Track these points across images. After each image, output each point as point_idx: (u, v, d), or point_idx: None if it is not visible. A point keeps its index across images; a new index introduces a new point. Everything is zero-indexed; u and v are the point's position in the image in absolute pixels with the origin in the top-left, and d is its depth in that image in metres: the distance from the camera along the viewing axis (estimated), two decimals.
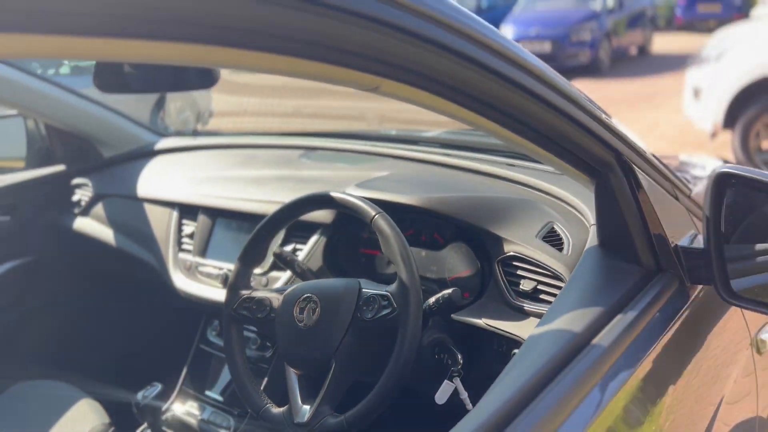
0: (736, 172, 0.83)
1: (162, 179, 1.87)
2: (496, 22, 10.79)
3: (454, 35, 0.64)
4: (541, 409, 0.70)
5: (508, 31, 10.66)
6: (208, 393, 1.65)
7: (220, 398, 1.63)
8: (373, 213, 1.14)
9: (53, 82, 1.95)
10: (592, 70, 10.57)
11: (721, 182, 0.84)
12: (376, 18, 0.57)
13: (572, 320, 0.83)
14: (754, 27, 5.11)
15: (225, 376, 1.66)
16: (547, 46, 10.38)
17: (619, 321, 0.85)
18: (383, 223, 1.13)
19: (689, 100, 5.28)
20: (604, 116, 0.88)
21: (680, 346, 0.93)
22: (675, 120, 6.82)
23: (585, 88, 1.05)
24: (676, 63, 10.05)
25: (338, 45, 0.57)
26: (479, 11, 12.50)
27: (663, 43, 14.09)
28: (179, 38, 0.47)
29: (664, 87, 8.97)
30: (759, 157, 4.87)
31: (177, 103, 2.65)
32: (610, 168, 0.90)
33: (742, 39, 4.97)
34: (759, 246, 0.86)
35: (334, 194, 1.21)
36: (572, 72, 10.08)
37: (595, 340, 0.81)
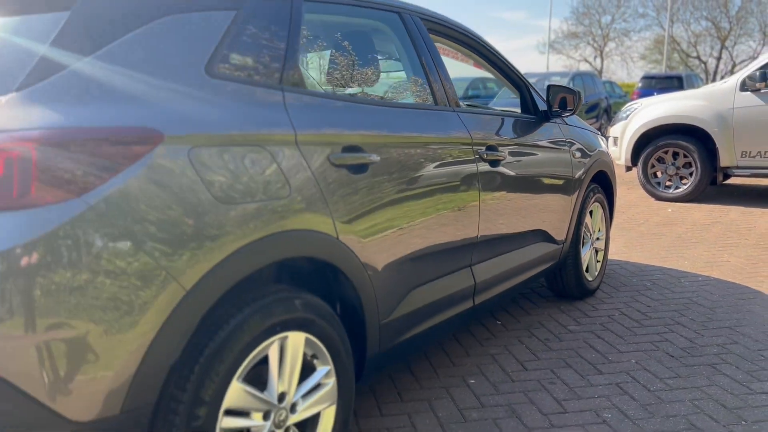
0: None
1: None
2: None
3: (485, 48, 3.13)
4: None
5: None
6: None
7: None
8: None
9: None
10: None
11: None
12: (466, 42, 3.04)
13: None
14: (649, 99, 7.81)
15: None
16: None
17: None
18: None
19: (611, 146, 7.90)
20: (521, 74, 3.34)
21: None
22: None
23: None
24: None
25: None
26: (465, 97, 15.42)
27: None
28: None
29: None
30: (653, 181, 7.44)
31: None
32: (523, 88, 3.36)
33: (642, 105, 7.66)
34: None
35: None
36: None
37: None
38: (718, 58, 53.62)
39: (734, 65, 51.40)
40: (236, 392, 1.67)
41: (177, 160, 1.54)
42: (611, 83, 22.59)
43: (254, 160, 1.73)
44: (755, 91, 6.75)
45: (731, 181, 8.59)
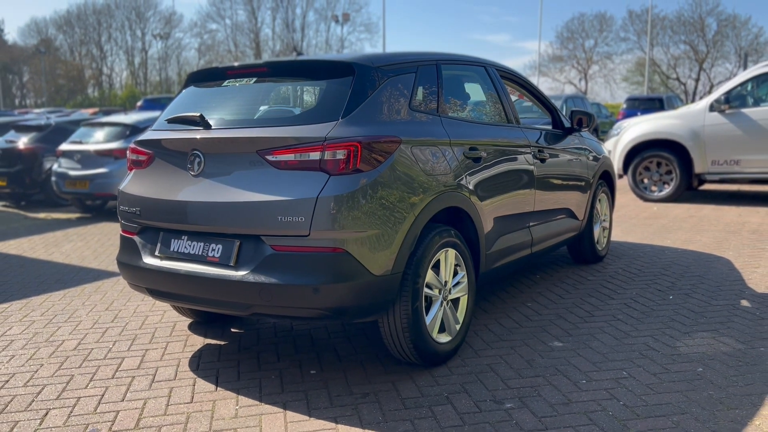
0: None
1: None
2: None
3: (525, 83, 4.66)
4: None
5: None
6: None
7: None
8: None
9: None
10: None
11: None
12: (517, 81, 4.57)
13: None
14: (636, 118, 9.42)
15: None
16: None
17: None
18: None
19: None
20: (551, 101, 4.87)
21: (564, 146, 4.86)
22: None
23: None
24: None
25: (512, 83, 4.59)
26: None
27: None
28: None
29: None
30: (641, 186, 9.01)
31: None
32: (553, 111, 4.87)
33: (631, 123, 9.26)
34: None
35: None
36: None
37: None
38: (697, 80, 56.17)
39: (712, 86, 53.85)
40: (430, 275, 3.15)
41: (406, 152, 3.04)
42: (598, 105, 24.41)
43: (434, 153, 3.23)
44: (721, 112, 8.35)
45: (705, 187, 10.19)
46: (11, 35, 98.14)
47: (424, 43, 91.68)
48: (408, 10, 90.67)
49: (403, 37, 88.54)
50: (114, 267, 5.74)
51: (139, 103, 27.12)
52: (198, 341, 3.77)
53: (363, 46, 65.17)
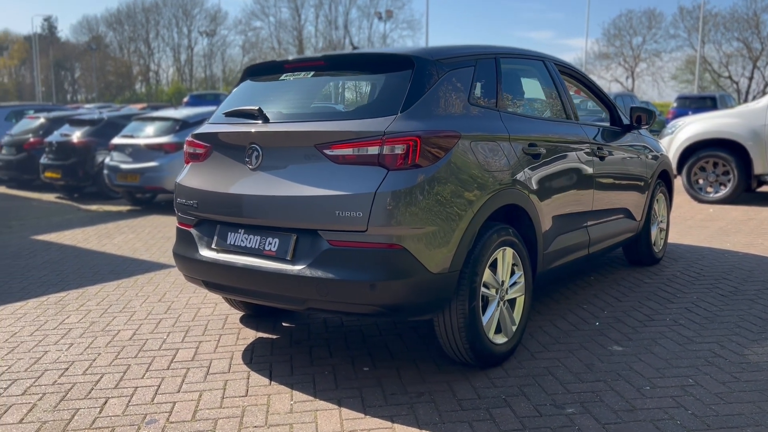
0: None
1: None
2: None
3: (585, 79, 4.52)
4: None
5: None
6: None
7: None
8: None
9: None
10: None
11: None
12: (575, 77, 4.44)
13: None
14: (692, 117, 9.10)
15: None
16: None
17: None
18: None
19: None
20: (610, 97, 4.72)
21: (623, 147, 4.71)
22: None
23: None
24: None
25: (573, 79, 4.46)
26: None
27: None
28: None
29: None
30: (696, 187, 8.71)
31: None
32: (612, 107, 4.73)
33: (686, 122, 8.96)
34: None
35: None
36: None
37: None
38: (750, 78, 54.27)
39: (766, 85, 51.94)
40: (487, 274, 3.08)
41: (465, 148, 2.97)
42: (647, 103, 23.78)
43: (493, 148, 3.15)
44: None
45: (764, 189, 9.78)
46: (64, 32, 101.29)
47: (466, 40, 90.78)
48: (450, 6, 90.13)
49: (445, 34, 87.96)
50: (165, 259, 5.82)
51: (185, 99, 27.62)
52: (250, 334, 3.78)
53: (405, 42, 65.03)
